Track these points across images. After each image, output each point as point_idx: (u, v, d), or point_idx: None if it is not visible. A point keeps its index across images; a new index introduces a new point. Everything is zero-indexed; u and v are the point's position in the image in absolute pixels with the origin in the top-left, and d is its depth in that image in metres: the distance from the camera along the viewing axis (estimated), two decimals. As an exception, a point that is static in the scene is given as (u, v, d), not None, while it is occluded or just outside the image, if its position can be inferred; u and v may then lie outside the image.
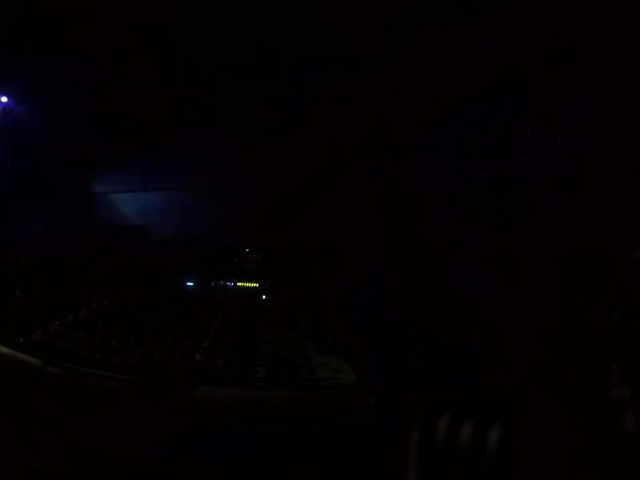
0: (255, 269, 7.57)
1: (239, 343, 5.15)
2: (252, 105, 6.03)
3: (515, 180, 4.56)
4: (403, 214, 5.36)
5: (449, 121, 5.13)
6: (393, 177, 5.59)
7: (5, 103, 6.03)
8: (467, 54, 4.75)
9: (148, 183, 7.13)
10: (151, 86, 6.01)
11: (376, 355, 4.85)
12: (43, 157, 6.46)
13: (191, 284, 7.48)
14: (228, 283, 7.64)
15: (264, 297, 7.22)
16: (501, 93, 4.69)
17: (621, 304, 3.53)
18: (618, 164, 3.70)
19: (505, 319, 4.31)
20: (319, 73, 5.56)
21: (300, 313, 6.37)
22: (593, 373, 3.60)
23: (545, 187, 4.19)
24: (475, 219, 4.77)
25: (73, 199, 6.95)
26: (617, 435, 3.34)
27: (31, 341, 4.83)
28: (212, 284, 7.60)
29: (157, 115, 6.40)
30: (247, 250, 7.70)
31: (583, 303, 3.74)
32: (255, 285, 7.54)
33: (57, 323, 5.30)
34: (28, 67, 5.66)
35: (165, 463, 3.88)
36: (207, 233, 7.42)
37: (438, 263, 4.95)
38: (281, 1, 5.05)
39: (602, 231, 3.69)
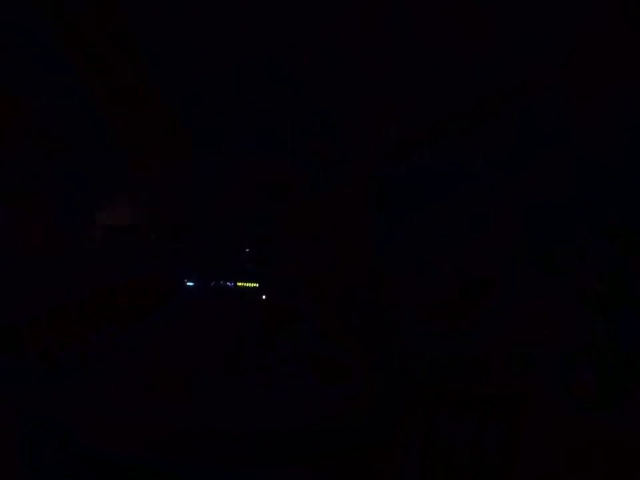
0: (254, 268, 7.57)
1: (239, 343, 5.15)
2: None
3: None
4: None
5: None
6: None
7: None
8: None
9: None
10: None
11: (376, 355, 4.85)
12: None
13: (191, 284, 7.48)
14: (228, 283, 7.64)
15: (264, 296, 7.22)
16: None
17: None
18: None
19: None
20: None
21: (301, 312, 6.37)
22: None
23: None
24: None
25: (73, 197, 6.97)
26: (616, 434, 3.34)
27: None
28: (212, 284, 7.60)
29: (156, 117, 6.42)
30: (247, 250, 7.70)
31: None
32: (254, 284, 7.53)
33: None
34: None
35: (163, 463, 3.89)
36: (208, 233, 7.43)
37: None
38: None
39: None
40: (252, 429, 4.05)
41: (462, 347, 4.57)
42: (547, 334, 4.51)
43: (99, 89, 5.91)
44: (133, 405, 4.26)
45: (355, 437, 4.01)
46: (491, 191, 5.14)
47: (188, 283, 7.41)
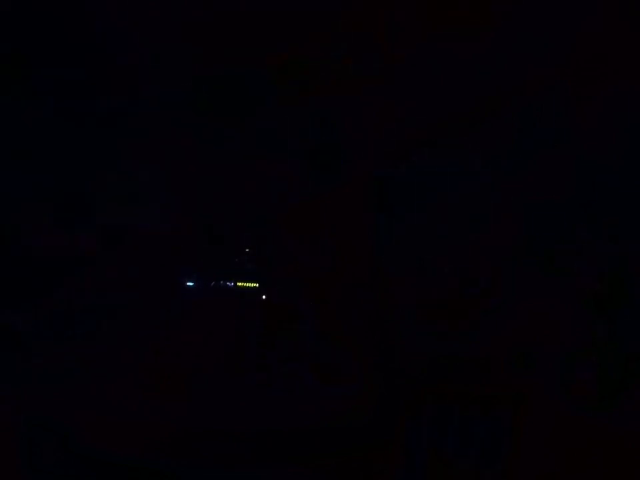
0: (254, 268, 7.57)
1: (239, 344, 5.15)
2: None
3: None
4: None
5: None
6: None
7: None
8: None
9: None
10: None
11: (376, 355, 4.85)
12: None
13: (191, 284, 7.47)
14: (228, 283, 7.63)
15: (264, 296, 7.22)
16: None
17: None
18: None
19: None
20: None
21: (301, 312, 6.37)
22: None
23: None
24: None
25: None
26: (616, 434, 3.34)
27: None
28: (212, 284, 7.60)
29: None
30: (247, 250, 7.69)
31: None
32: (254, 284, 7.53)
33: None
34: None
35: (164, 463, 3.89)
36: (208, 232, 7.43)
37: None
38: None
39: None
40: (252, 429, 4.05)
41: (462, 346, 4.57)
42: (547, 334, 4.51)
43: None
44: (133, 404, 4.26)
45: (355, 437, 4.01)
46: (491, 191, 5.14)
47: (188, 283, 7.41)
